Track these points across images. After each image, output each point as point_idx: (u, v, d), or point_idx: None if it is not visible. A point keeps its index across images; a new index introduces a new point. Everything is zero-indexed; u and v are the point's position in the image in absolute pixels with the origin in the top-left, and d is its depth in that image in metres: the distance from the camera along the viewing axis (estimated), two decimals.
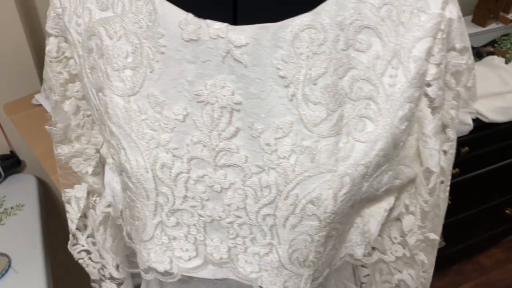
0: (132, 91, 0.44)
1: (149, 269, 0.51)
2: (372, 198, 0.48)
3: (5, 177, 1.17)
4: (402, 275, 0.58)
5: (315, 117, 0.41)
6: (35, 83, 1.09)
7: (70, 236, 0.66)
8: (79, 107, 0.54)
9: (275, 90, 0.41)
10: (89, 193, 0.61)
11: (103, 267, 0.68)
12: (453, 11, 0.41)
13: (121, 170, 0.47)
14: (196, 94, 0.42)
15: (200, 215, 0.46)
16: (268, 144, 0.42)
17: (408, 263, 0.57)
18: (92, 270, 0.69)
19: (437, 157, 0.45)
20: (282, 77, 0.40)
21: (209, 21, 0.40)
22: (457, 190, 1.42)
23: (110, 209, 0.60)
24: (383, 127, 0.42)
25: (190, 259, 0.48)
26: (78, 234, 0.65)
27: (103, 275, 0.69)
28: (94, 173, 0.59)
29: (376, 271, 0.61)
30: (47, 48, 0.51)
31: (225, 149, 0.43)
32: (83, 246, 0.67)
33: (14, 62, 1.04)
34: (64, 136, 0.55)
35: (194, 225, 0.47)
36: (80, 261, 0.69)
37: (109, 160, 0.56)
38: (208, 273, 0.49)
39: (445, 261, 1.82)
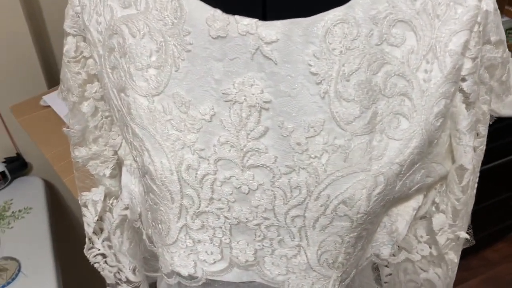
0: (157, 90, 0.43)
1: (173, 273, 0.49)
2: (403, 197, 0.47)
3: (12, 179, 1.16)
4: (428, 274, 0.57)
5: (348, 115, 0.40)
6: (42, 85, 1.08)
7: (86, 240, 0.65)
8: (97, 108, 0.52)
9: (306, 87, 0.40)
10: (106, 196, 0.60)
11: (119, 270, 0.67)
12: (490, 2, 0.40)
13: (144, 173, 0.46)
14: (223, 93, 0.41)
15: (226, 217, 0.45)
16: (298, 144, 0.41)
17: (435, 262, 0.56)
18: (108, 274, 0.68)
19: (471, 154, 0.44)
20: (314, 74, 0.39)
21: (237, 17, 0.39)
22: None
23: (127, 212, 0.59)
24: (418, 124, 0.41)
25: (215, 262, 0.47)
26: (94, 237, 0.64)
27: (119, 279, 0.68)
28: (112, 176, 0.58)
29: (401, 271, 0.60)
30: (65, 48, 0.50)
31: (253, 149, 0.42)
32: (99, 249, 0.66)
33: (20, 63, 1.03)
34: (82, 138, 0.54)
35: (220, 227, 0.46)
36: (96, 265, 0.67)
37: (127, 162, 0.55)
38: (233, 276, 0.48)
39: None
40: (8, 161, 1.15)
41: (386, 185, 0.42)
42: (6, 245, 1.01)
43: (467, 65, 0.41)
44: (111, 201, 0.61)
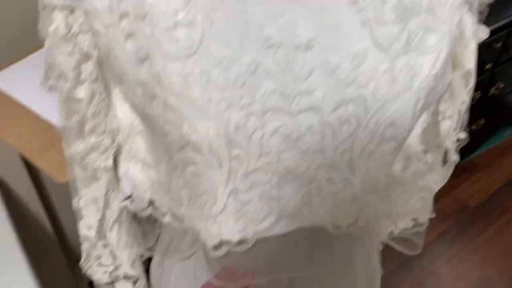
0: (190, 51, 0.40)
1: (221, 244, 0.48)
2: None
3: None
4: (424, 181, 0.60)
5: (389, 38, 0.41)
6: None
7: (84, 247, 0.59)
8: (94, 91, 0.47)
9: (348, 18, 0.40)
10: (107, 192, 0.55)
11: (117, 267, 0.63)
12: None
13: (182, 146, 0.43)
14: (266, 39, 0.39)
15: (274, 170, 0.44)
16: (346, 76, 0.41)
17: (430, 168, 0.60)
18: (101, 276, 0.62)
19: (475, 58, 0.48)
20: (354, 3, 0.40)
21: None
22: None
23: (126, 203, 0.55)
24: (444, 36, 0.43)
25: (264, 219, 0.46)
26: (93, 242, 0.59)
27: (117, 276, 0.63)
28: (112, 168, 0.54)
29: (397, 184, 0.63)
30: (53, 26, 0.44)
31: (301, 92, 0.41)
32: (95, 254, 0.61)
33: None
34: (80, 130, 0.49)
35: (268, 182, 0.45)
36: (89, 271, 0.62)
37: (125, 148, 0.52)
38: (281, 228, 0.48)
39: None
40: None
41: (425, 99, 0.44)
42: None
43: None
44: (109, 195, 0.56)
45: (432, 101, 0.47)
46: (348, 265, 0.62)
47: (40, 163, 0.70)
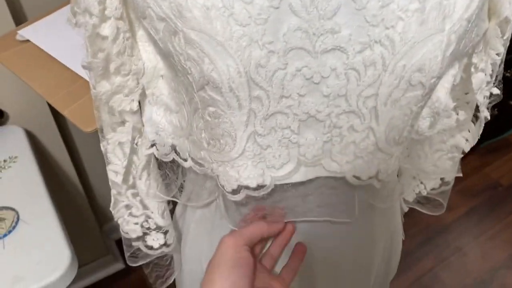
0: None
1: (240, 188, 0.48)
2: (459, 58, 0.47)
3: None
4: (455, 140, 0.59)
5: None
6: (8, 20, 0.99)
7: (113, 193, 0.59)
8: (118, 29, 0.46)
9: None
10: (133, 137, 0.55)
11: (147, 218, 0.63)
12: None
13: (204, 84, 0.42)
14: None
15: (295, 114, 0.43)
16: (373, 15, 0.39)
17: (461, 127, 0.58)
18: (133, 227, 0.63)
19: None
20: None
21: None
22: None
23: (153, 150, 0.55)
24: None
25: (282, 165, 0.46)
26: (122, 188, 0.59)
27: (148, 228, 0.64)
28: (135, 111, 0.53)
29: (426, 144, 0.61)
30: None
31: (326, 31, 0.39)
32: (123, 201, 0.61)
33: None
34: (105, 70, 0.48)
35: (289, 127, 0.44)
36: (120, 221, 0.62)
37: (149, 91, 0.51)
38: (300, 176, 0.47)
39: None
40: None
41: (457, 43, 0.42)
42: None
43: None
44: (136, 141, 0.56)
45: (464, 48, 0.45)
46: (368, 224, 0.61)
47: (67, 112, 0.72)
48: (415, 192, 0.70)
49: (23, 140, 1.09)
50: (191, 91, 0.46)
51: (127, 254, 0.68)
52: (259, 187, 0.48)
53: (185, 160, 0.54)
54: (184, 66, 0.43)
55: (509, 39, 0.49)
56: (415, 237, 1.81)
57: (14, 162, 1.03)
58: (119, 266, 1.63)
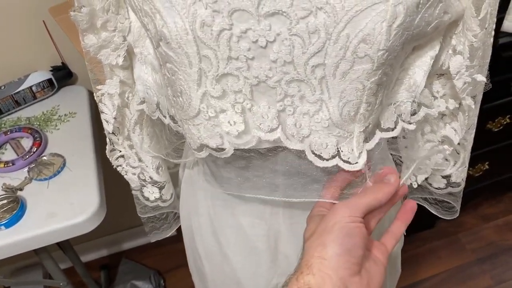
0: None
1: (202, 146, 0.50)
2: (422, 36, 0.45)
3: (59, 88, 1.22)
4: (446, 131, 0.56)
5: None
6: None
7: (108, 140, 0.65)
8: None
9: None
10: (123, 91, 0.60)
11: (143, 171, 0.68)
12: None
13: (159, 40, 0.45)
14: None
15: (246, 78, 0.44)
16: None
17: (451, 117, 0.56)
18: (132, 177, 0.68)
19: None
20: None
21: None
22: None
23: (143, 106, 0.59)
24: None
25: (238, 133, 0.47)
26: (114, 138, 0.65)
27: (144, 180, 0.69)
28: (124, 67, 0.58)
29: (418, 133, 0.60)
30: None
31: None
32: (120, 151, 0.67)
33: None
34: (90, 23, 0.52)
35: (240, 90, 0.45)
36: (119, 169, 0.68)
37: (137, 50, 0.55)
38: (257, 144, 0.48)
39: (500, 187, 1.75)
40: (55, 69, 1.21)
41: (405, 16, 0.40)
42: (54, 143, 1.09)
43: None
44: (127, 95, 0.61)
45: (427, 25, 0.43)
46: None
47: None
48: (406, 184, 0.67)
49: (84, 99, 1.21)
50: (154, 47, 0.49)
51: (138, 207, 0.74)
52: (220, 149, 0.49)
53: (165, 117, 0.58)
54: (143, 22, 0.47)
55: (486, 20, 0.45)
56: (476, 251, 1.67)
57: (72, 117, 1.16)
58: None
